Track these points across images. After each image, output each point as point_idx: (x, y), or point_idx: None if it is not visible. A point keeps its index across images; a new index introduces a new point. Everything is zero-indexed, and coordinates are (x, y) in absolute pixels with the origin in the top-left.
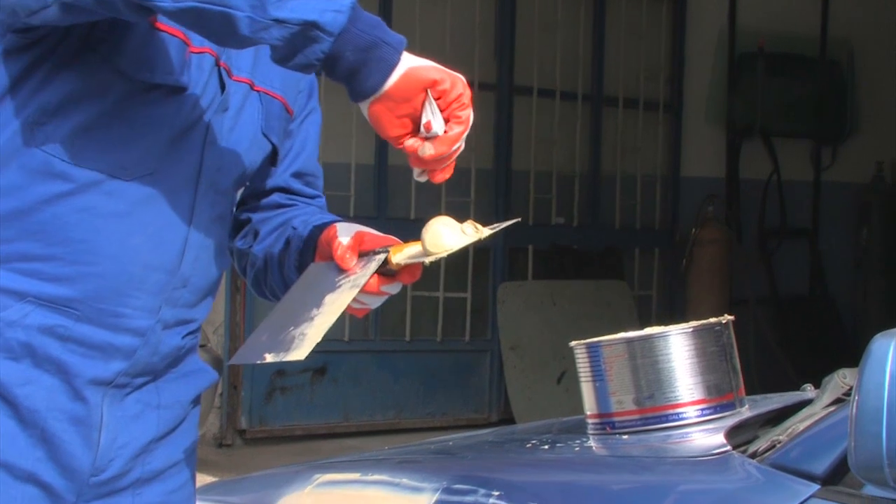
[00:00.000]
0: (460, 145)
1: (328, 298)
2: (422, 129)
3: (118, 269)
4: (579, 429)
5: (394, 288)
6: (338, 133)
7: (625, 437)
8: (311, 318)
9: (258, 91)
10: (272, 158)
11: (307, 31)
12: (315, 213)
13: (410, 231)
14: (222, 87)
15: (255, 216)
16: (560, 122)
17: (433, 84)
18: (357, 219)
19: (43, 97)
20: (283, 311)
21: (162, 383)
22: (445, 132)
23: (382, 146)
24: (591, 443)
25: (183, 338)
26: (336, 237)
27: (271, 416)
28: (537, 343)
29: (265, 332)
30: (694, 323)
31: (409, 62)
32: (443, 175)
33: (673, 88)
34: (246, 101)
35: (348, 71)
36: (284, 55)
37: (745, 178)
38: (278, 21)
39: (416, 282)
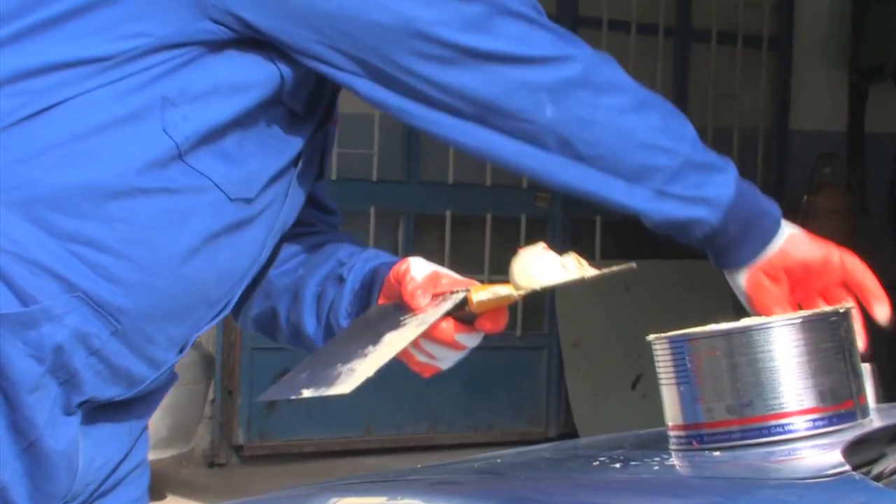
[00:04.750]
0: None
1: (388, 336)
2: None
3: (179, 291)
4: (659, 443)
5: (472, 339)
6: None
7: (716, 453)
8: (365, 355)
9: None
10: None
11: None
12: (359, 246)
13: (447, 200)
14: (326, 116)
15: None
16: (637, 61)
17: (809, 264)
18: (382, 183)
19: (189, 75)
20: (331, 350)
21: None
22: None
23: None
24: (674, 460)
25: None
26: (408, 272)
27: (275, 428)
28: (606, 338)
29: (307, 368)
30: (804, 312)
31: (786, 232)
32: None
33: (781, 19)
34: None
35: (725, 244)
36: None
37: (873, 132)
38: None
39: (455, 265)
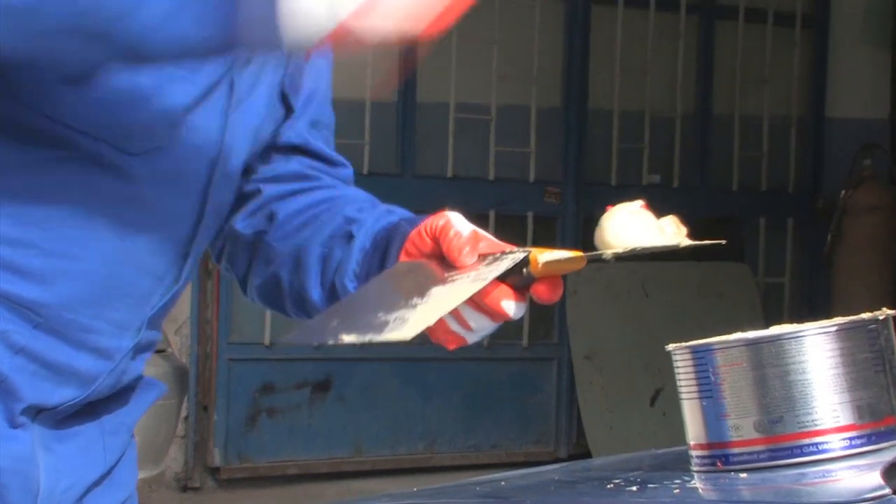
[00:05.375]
0: None
1: (437, 291)
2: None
3: (103, 270)
4: (680, 464)
5: (519, 309)
6: (347, 57)
7: (743, 475)
8: (413, 306)
9: None
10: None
11: None
12: (370, 201)
13: (446, 195)
14: None
15: (268, 189)
16: (656, 41)
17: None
18: (374, 176)
19: None
20: (361, 300)
21: (100, 402)
22: None
23: (410, 76)
24: (697, 482)
25: (143, 360)
26: (452, 227)
27: (255, 448)
28: (622, 349)
29: (335, 317)
30: (840, 320)
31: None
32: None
33: None
34: None
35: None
36: None
37: None
38: None
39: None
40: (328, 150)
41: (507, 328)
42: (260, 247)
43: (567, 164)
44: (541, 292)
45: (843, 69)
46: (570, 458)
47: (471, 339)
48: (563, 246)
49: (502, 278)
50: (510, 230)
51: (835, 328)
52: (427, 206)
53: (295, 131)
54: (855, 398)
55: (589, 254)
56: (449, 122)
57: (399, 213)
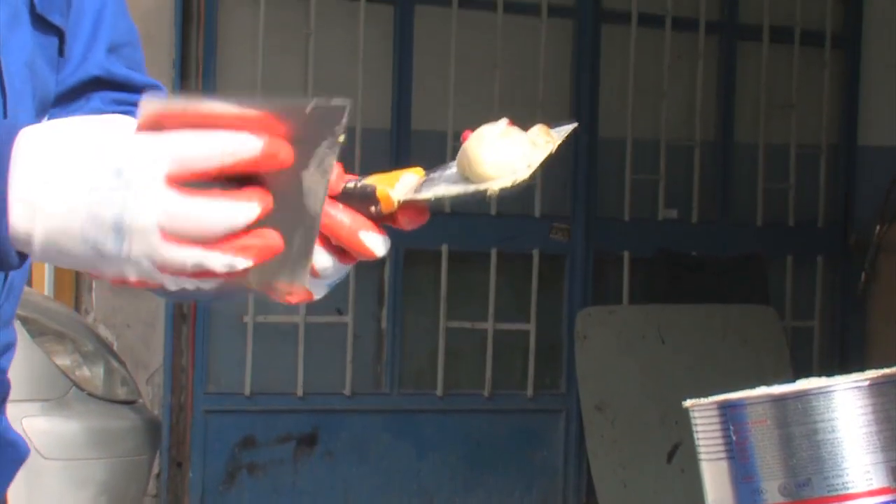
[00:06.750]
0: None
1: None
2: None
3: None
4: None
5: (384, 244)
6: (336, 81)
7: None
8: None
9: None
10: (59, 48)
11: None
12: None
13: (444, 232)
14: None
15: None
16: (673, 63)
17: None
18: None
19: None
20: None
21: None
22: None
23: (404, 102)
24: None
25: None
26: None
27: None
28: (637, 399)
29: None
30: (872, 373)
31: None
32: None
33: (848, 12)
34: None
35: None
36: None
37: None
38: None
39: (453, 310)
40: (134, 73)
41: (510, 377)
42: None
43: (576, 198)
44: (404, 222)
45: (877, 93)
46: None
47: (319, 293)
48: (571, 289)
49: (351, 206)
50: (514, 270)
51: (867, 383)
52: (422, 243)
53: (94, 63)
54: (889, 459)
55: (466, 189)
56: (447, 151)
57: None
